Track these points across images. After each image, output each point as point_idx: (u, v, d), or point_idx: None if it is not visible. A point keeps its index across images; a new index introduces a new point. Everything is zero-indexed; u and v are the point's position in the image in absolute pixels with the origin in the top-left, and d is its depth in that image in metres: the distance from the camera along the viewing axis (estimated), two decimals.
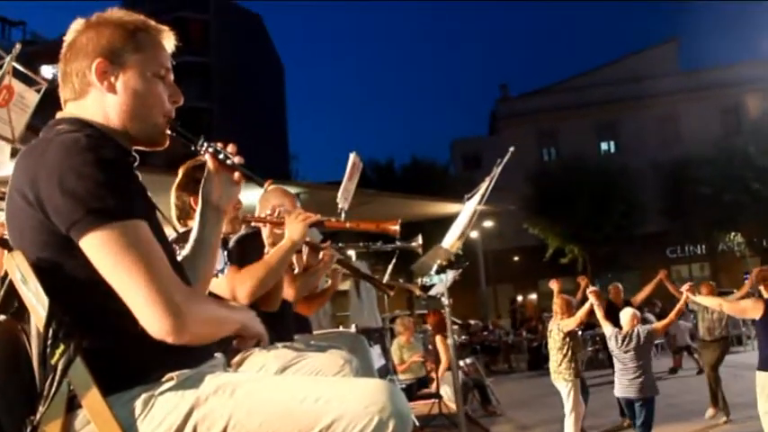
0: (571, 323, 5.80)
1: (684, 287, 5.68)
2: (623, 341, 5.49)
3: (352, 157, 3.41)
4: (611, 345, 5.63)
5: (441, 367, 7.78)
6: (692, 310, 6.59)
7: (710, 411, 6.87)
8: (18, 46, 3.33)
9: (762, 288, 5.08)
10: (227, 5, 38.43)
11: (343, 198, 3.17)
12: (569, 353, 5.75)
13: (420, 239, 3.04)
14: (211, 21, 36.88)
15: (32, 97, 3.43)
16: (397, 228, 2.55)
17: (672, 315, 5.71)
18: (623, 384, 5.50)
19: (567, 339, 5.77)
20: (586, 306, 5.82)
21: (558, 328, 5.82)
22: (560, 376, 5.76)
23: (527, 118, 31.64)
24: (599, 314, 5.72)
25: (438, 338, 8.25)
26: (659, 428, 5.82)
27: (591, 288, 5.94)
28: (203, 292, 1.72)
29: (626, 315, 5.67)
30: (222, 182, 1.63)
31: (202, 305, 1.35)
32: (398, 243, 3.36)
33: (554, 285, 6.32)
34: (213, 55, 36.26)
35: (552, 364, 5.87)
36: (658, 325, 5.88)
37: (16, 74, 3.36)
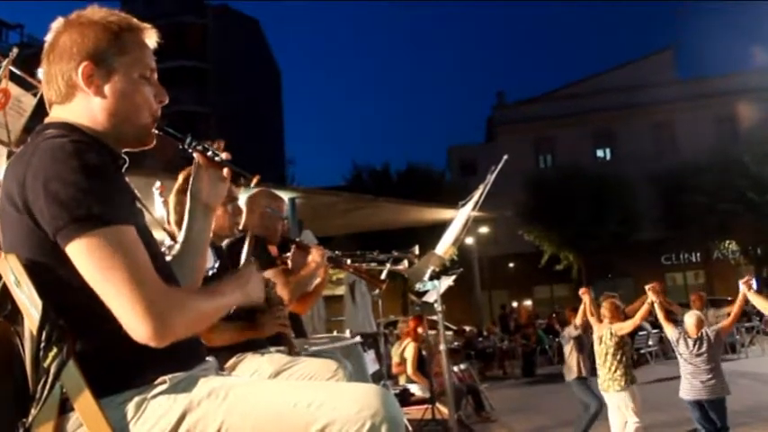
0: (628, 326, 5.55)
1: (742, 281, 5.32)
2: (695, 344, 5.26)
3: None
4: (680, 348, 5.35)
5: (409, 372, 7.90)
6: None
7: None
8: (15, 49, 3.33)
9: None
10: (224, 10, 38.46)
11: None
12: (624, 358, 5.50)
13: (417, 250, 3.05)
14: (209, 25, 36.90)
15: (29, 101, 3.42)
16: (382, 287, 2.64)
17: (736, 309, 5.55)
18: (695, 387, 5.23)
19: (622, 344, 5.54)
20: (646, 306, 5.58)
21: (612, 332, 5.54)
22: (616, 383, 5.44)
23: (524, 125, 31.71)
24: (660, 315, 5.51)
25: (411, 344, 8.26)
26: None
27: (649, 285, 5.62)
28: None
29: (691, 320, 5.40)
30: (211, 179, 1.63)
31: (187, 306, 1.34)
32: (395, 253, 3.35)
33: (585, 295, 5.97)
34: (210, 60, 36.28)
35: (604, 372, 5.52)
36: (725, 323, 5.65)
37: (13, 77, 3.35)
